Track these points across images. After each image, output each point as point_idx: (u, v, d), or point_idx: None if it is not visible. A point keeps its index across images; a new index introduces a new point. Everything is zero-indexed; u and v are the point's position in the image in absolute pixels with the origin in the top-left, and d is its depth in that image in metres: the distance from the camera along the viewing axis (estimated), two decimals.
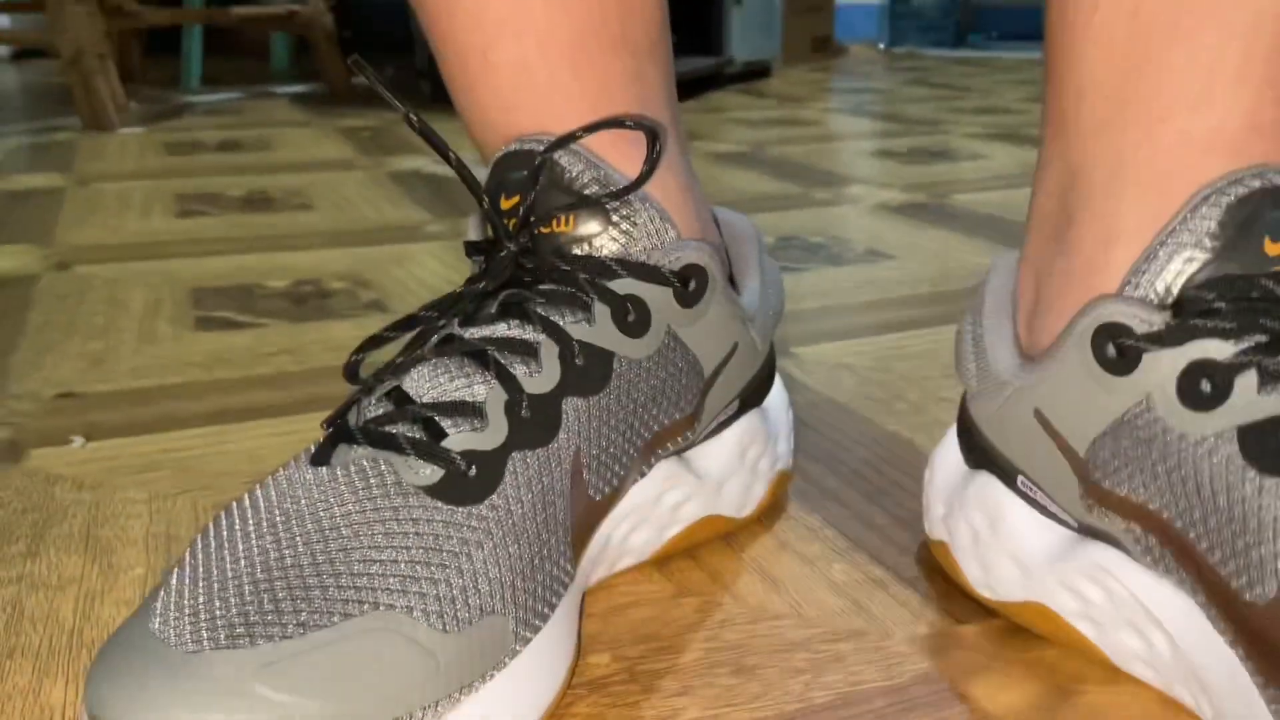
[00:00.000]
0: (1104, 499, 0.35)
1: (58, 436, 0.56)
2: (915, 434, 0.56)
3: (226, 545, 0.31)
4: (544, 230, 0.38)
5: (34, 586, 0.42)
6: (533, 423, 0.35)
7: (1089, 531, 0.36)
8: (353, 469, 0.33)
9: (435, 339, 0.36)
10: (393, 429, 0.34)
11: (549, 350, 0.36)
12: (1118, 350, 0.33)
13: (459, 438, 0.33)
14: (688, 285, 0.39)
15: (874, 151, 1.51)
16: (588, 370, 0.36)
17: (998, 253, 0.73)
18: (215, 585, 0.30)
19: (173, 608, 0.29)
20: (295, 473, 0.33)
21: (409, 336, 0.37)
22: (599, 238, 0.38)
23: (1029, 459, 0.37)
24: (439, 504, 0.32)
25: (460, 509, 0.32)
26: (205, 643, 0.28)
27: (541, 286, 0.37)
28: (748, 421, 0.44)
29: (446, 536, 0.32)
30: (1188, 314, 0.32)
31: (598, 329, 0.37)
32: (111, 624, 0.40)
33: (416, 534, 0.31)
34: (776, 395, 0.47)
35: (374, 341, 0.36)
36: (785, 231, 1.01)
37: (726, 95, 2.19)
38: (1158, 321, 0.32)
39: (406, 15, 2.44)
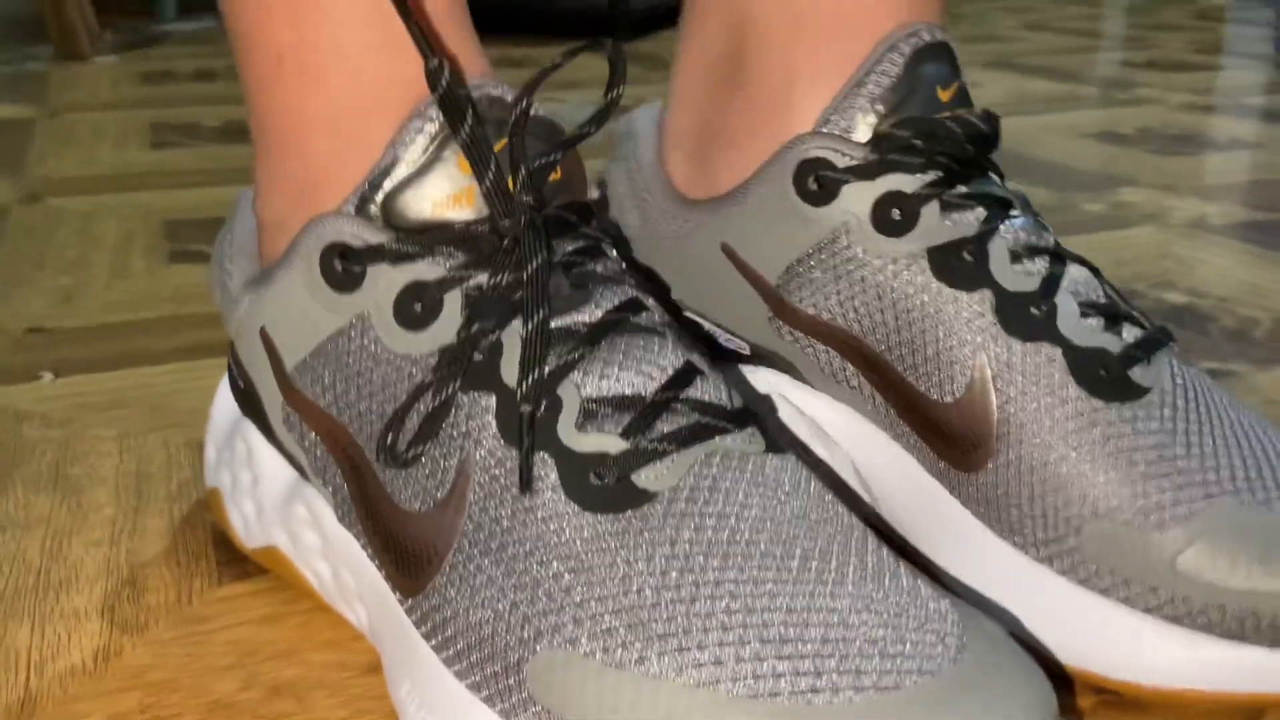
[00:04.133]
0: (794, 319, 0.38)
1: (27, 373, 0.55)
2: None
3: None
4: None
5: (0, 526, 0.41)
6: None
7: (766, 356, 0.40)
8: None
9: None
10: None
11: None
12: (818, 183, 0.37)
13: None
14: None
15: None
16: None
17: None
18: None
19: None
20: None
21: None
22: None
23: (704, 296, 0.40)
24: None
25: None
26: None
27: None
28: None
29: None
30: (885, 150, 0.36)
31: None
32: (80, 564, 0.39)
33: None
34: None
35: None
36: None
37: None
38: (858, 156, 0.36)
39: None
